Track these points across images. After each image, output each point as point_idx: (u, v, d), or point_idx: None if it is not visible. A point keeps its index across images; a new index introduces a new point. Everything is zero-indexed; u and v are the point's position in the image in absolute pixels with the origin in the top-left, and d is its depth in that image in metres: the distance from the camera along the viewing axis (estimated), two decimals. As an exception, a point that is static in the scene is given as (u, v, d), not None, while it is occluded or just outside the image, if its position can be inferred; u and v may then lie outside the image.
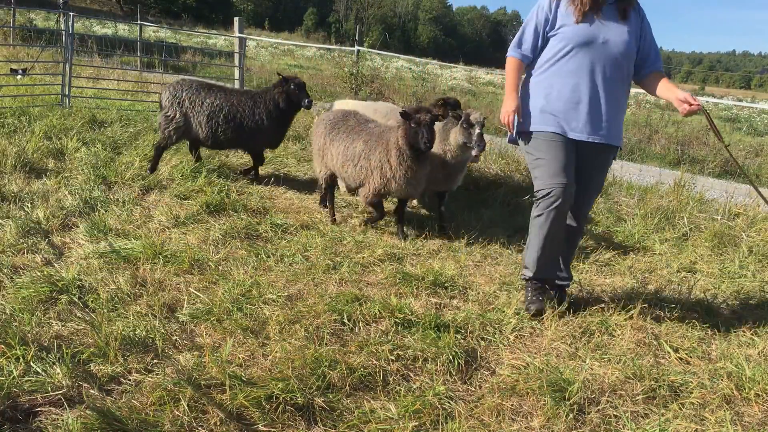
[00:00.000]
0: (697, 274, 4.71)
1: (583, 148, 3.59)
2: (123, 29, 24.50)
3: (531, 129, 3.64)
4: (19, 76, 10.03)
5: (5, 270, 3.59)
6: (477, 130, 4.58)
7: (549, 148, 3.55)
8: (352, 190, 5.26)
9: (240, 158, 6.86)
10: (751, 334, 3.65)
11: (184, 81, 6.08)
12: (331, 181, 5.28)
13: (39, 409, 2.42)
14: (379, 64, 14.33)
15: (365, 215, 5.38)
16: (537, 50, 3.65)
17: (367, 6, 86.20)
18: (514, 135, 3.79)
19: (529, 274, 3.76)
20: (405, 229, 5.01)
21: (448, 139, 4.83)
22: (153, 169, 5.99)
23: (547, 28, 3.56)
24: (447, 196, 5.43)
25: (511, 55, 3.68)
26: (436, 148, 4.77)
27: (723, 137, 3.76)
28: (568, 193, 3.51)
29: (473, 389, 2.89)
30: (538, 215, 3.60)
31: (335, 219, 5.21)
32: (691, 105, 3.37)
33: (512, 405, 2.75)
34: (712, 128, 3.59)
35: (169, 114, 5.91)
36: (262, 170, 6.62)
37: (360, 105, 6.02)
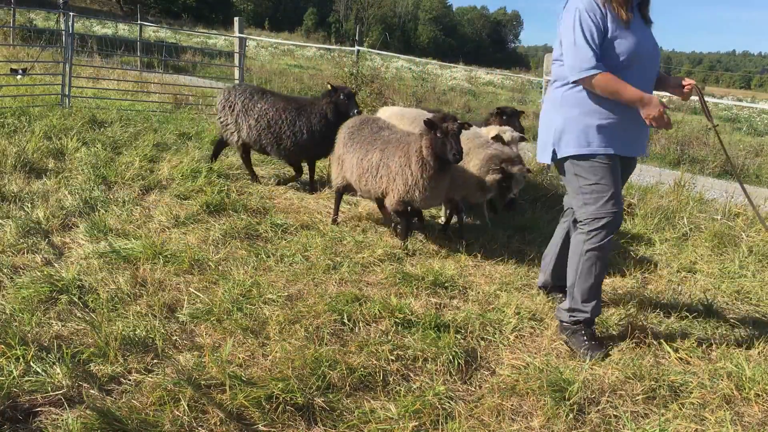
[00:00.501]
0: (697, 274, 4.71)
1: (623, 160, 3.37)
2: (123, 29, 24.50)
3: (588, 151, 3.23)
4: (19, 76, 10.03)
5: (5, 270, 3.59)
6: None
7: (608, 172, 3.23)
8: (377, 201, 5.02)
9: (240, 157, 6.84)
10: (751, 334, 3.65)
11: (239, 86, 6.14)
12: (344, 190, 5.18)
13: (39, 409, 2.42)
14: (379, 64, 14.32)
15: (391, 228, 5.09)
16: None
17: (367, 6, 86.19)
18: (562, 155, 3.33)
19: (584, 316, 3.34)
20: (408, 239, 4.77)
21: (485, 174, 4.64)
22: (212, 159, 6.40)
23: (602, 37, 3.13)
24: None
25: (599, 71, 3.08)
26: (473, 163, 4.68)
27: (722, 140, 3.73)
28: (621, 219, 3.33)
29: (473, 389, 2.89)
30: (595, 248, 3.26)
31: (336, 219, 5.18)
32: (685, 86, 3.35)
33: (512, 405, 2.75)
34: (703, 107, 3.44)
35: (221, 118, 6.04)
36: (262, 170, 6.63)
37: (401, 112, 5.86)
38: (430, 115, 4.42)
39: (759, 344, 3.46)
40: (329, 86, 5.91)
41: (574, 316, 3.36)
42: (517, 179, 4.64)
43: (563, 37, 3.22)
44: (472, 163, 4.70)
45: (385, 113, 5.86)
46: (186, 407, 2.45)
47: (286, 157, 6.07)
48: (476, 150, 4.73)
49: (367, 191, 4.81)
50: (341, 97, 5.75)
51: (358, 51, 10.85)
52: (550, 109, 3.42)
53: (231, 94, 6.01)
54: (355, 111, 5.70)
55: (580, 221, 3.33)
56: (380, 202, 5.11)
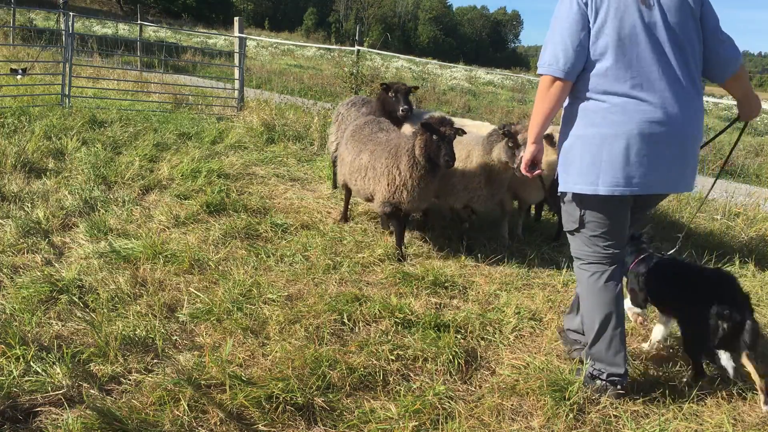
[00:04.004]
0: (697, 274, 4.70)
1: None
2: (123, 29, 24.50)
3: None
4: (19, 76, 10.03)
5: (5, 270, 3.59)
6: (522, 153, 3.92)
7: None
8: (368, 201, 4.92)
9: (240, 157, 6.85)
10: (751, 334, 3.64)
11: (351, 98, 6.03)
12: (347, 190, 5.15)
13: (39, 409, 2.42)
14: (379, 64, 14.32)
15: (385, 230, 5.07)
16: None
17: (367, 6, 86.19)
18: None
19: (619, 370, 2.83)
20: (403, 248, 4.62)
21: (490, 153, 4.40)
22: (334, 186, 6.14)
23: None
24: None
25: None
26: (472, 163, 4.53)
27: (717, 137, 3.61)
28: None
29: (473, 389, 2.89)
30: (610, 294, 2.82)
31: (346, 219, 5.16)
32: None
33: (512, 405, 2.75)
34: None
35: (331, 128, 5.96)
36: (262, 170, 6.62)
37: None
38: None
39: (759, 344, 3.45)
40: (381, 86, 5.59)
41: (607, 372, 2.90)
42: (517, 133, 4.19)
43: None
44: (476, 157, 4.52)
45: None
46: (186, 407, 2.45)
47: None
48: (475, 146, 4.58)
49: (358, 192, 4.81)
50: (390, 94, 5.48)
51: (358, 51, 10.85)
52: (701, 120, 2.80)
53: (341, 106, 5.88)
54: (402, 109, 5.36)
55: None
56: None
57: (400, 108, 5.36)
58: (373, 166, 4.53)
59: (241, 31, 10.06)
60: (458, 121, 5.55)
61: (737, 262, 4.93)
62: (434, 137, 4.07)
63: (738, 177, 9.63)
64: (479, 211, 4.91)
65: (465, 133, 4.33)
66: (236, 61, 10.27)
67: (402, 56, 17.70)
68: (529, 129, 2.80)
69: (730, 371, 2.92)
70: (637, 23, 2.53)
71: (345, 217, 5.25)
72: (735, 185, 7.50)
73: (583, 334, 2.98)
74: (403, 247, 4.58)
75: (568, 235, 2.93)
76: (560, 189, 2.81)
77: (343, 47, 16.29)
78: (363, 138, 4.80)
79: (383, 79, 10.84)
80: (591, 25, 2.56)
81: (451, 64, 22.92)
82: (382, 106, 5.47)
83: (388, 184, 4.36)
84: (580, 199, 2.74)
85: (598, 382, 2.84)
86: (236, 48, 10.16)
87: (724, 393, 2.95)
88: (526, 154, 2.85)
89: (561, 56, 2.57)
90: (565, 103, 2.76)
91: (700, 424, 2.72)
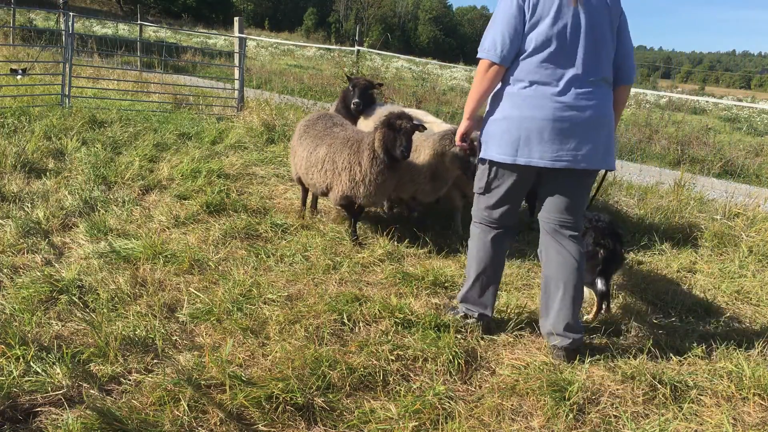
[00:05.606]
0: (697, 274, 4.71)
1: None
2: (123, 29, 24.51)
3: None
4: (19, 76, 10.03)
5: (5, 270, 3.59)
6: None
7: None
8: (323, 195, 5.02)
9: (240, 157, 6.85)
10: (751, 334, 3.65)
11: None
12: (301, 183, 5.24)
13: (39, 409, 2.42)
14: (379, 64, 14.34)
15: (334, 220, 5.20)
16: None
17: (367, 6, 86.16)
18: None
19: (487, 312, 3.42)
20: (357, 235, 4.79)
21: (441, 155, 4.58)
22: None
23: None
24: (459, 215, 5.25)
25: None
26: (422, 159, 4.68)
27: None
28: None
29: (473, 389, 2.89)
30: (490, 251, 3.37)
31: (303, 216, 5.21)
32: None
33: (512, 405, 2.75)
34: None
35: None
36: (262, 170, 6.62)
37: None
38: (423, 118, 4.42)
39: (759, 344, 3.46)
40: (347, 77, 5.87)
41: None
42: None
43: None
44: (424, 152, 4.67)
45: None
46: (186, 407, 2.45)
47: None
48: (424, 142, 4.71)
49: (313, 185, 4.91)
50: (349, 87, 5.72)
51: (358, 51, 10.85)
52: (610, 109, 3.12)
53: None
54: (354, 102, 5.63)
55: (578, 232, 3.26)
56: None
57: (352, 102, 5.62)
58: (332, 159, 4.64)
59: (241, 31, 10.06)
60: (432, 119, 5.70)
61: (737, 262, 4.93)
62: (391, 130, 4.27)
63: (738, 177, 9.63)
64: (424, 203, 5.19)
65: (426, 128, 4.49)
66: (236, 61, 10.27)
67: (402, 56, 17.70)
68: (466, 106, 3.22)
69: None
70: (567, 23, 2.94)
71: (302, 214, 5.24)
72: (735, 185, 7.50)
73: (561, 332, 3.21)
74: (356, 231, 4.78)
75: (475, 195, 3.36)
76: (480, 156, 3.25)
77: (343, 47, 16.30)
78: (318, 132, 4.91)
79: (383, 80, 10.85)
80: (527, 20, 2.96)
81: (451, 64, 22.88)
82: (343, 99, 5.72)
83: (349, 179, 4.51)
84: (494, 167, 3.18)
85: (470, 320, 3.39)
86: (236, 48, 10.16)
87: (724, 393, 2.95)
88: (460, 128, 3.33)
89: (499, 44, 2.98)
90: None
91: (700, 424, 2.72)
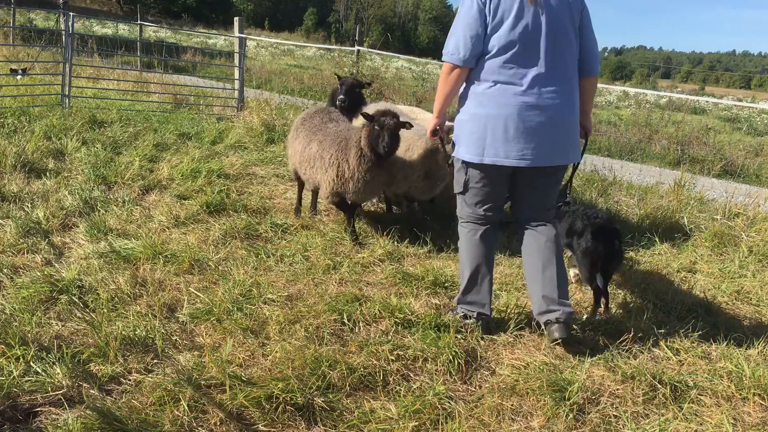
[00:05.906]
0: (697, 274, 4.71)
1: None
2: (123, 29, 24.50)
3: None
4: (19, 76, 10.04)
5: (5, 270, 3.59)
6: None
7: None
8: (317, 190, 5.07)
9: (240, 157, 6.85)
10: (751, 334, 3.65)
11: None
12: (298, 178, 5.27)
13: (39, 409, 2.42)
14: (379, 64, 14.35)
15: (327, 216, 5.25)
16: None
17: (367, 6, 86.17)
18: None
19: (486, 311, 3.43)
20: (356, 233, 4.78)
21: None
22: None
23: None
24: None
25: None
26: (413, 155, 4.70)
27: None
28: None
29: (473, 389, 2.89)
30: (480, 248, 3.44)
31: (298, 210, 5.26)
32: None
33: (512, 405, 2.75)
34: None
35: None
36: (262, 170, 6.62)
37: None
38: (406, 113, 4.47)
39: (759, 344, 3.45)
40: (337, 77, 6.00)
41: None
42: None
43: None
44: (417, 150, 4.69)
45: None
46: (186, 407, 2.45)
47: None
48: (418, 140, 4.71)
49: (307, 180, 4.95)
50: (337, 87, 5.84)
51: (358, 51, 10.85)
52: (575, 106, 3.22)
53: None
54: (339, 99, 5.70)
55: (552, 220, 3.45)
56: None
57: (337, 98, 5.70)
58: (321, 156, 4.66)
59: (241, 31, 10.06)
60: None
61: (737, 262, 4.93)
62: (376, 127, 4.29)
63: (738, 177, 9.63)
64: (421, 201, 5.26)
65: (412, 126, 4.49)
66: (236, 62, 10.27)
67: (402, 56, 17.70)
68: (434, 106, 3.38)
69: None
70: (528, 24, 3.01)
71: (297, 208, 5.28)
72: (735, 185, 7.49)
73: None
74: (354, 230, 4.77)
75: (457, 196, 3.42)
76: (453, 155, 3.35)
77: (343, 47, 16.30)
78: (313, 127, 4.95)
79: (383, 80, 10.85)
80: (489, 22, 3.03)
81: (451, 64, 22.83)
82: (332, 97, 5.87)
83: (336, 176, 4.54)
84: (467, 167, 3.26)
85: (470, 320, 3.36)
86: (236, 48, 10.16)
87: (724, 393, 2.95)
88: (429, 124, 3.49)
89: (461, 47, 3.08)
90: (463, 86, 3.25)
91: (700, 424, 2.72)
